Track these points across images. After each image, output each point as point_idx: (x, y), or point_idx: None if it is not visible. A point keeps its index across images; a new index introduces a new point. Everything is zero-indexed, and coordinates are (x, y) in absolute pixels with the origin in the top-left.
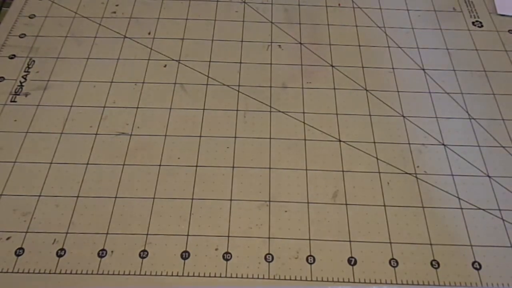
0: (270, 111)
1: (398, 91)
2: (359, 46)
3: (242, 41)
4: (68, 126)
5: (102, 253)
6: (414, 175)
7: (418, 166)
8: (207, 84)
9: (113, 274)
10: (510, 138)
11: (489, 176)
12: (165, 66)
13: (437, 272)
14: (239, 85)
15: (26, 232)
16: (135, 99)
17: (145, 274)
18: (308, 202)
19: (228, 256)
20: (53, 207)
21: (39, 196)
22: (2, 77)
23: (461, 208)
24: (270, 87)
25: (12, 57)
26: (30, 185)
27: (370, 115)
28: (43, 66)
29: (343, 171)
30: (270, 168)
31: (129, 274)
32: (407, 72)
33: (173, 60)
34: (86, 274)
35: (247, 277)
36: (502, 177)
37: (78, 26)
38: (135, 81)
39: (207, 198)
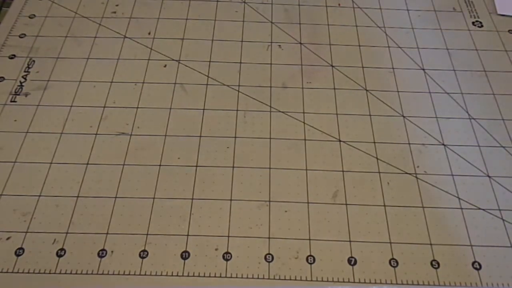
0: (270, 111)
1: (398, 91)
2: (359, 46)
3: (242, 41)
4: (68, 126)
5: (102, 253)
6: (414, 175)
7: (418, 166)
8: (207, 84)
9: (113, 274)
10: (510, 138)
11: (489, 176)
12: (165, 66)
13: (437, 272)
14: (239, 85)
15: (26, 232)
16: (135, 99)
17: (145, 274)
18: (308, 202)
19: (228, 256)
20: (53, 207)
21: (39, 196)
22: (2, 77)
23: (461, 208)
24: (270, 87)
25: (12, 57)
26: (30, 185)
27: (370, 115)
28: (43, 66)
29: (343, 171)
30: (270, 168)
31: (129, 274)
32: (407, 72)
33: (173, 60)
34: (86, 274)
35: (247, 277)
36: (502, 177)
37: (78, 26)
38: (135, 81)
39: (207, 198)
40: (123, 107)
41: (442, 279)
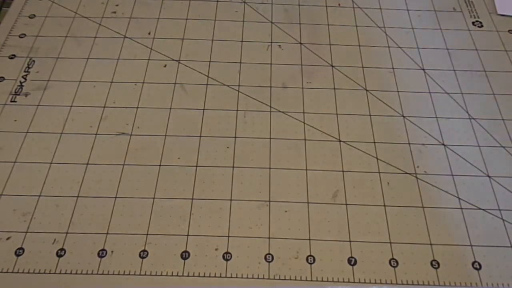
0: (270, 111)
1: (398, 91)
2: (359, 46)
3: (242, 41)
4: (68, 126)
5: (102, 253)
6: (414, 175)
7: (418, 166)
8: (207, 84)
9: (113, 274)
10: (510, 138)
11: (489, 176)
12: (165, 66)
13: (437, 272)
14: (239, 85)
15: (26, 232)
16: (135, 99)
17: (145, 274)
18: (308, 202)
19: (228, 256)
20: (53, 207)
21: (39, 196)
22: (2, 77)
23: (461, 208)
24: (270, 87)
25: (12, 57)
26: (30, 185)
27: (370, 115)
28: (43, 66)
29: (343, 171)
30: (270, 168)
31: (129, 274)
32: (407, 72)
33: (173, 60)
34: (86, 274)
35: (247, 277)
36: (502, 177)
37: (78, 26)
38: (135, 81)
39: (207, 198)
40: (123, 107)
41: (442, 279)
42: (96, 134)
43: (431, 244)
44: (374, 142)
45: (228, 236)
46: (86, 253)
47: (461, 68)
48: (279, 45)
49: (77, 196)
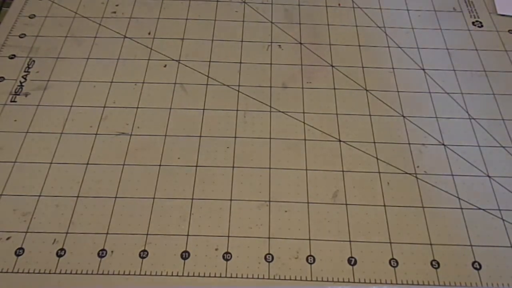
0: (270, 111)
1: (398, 91)
2: (359, 46)
3: (242, 41)
4: (68, 126)
5: (102, 253)
6: (414, 175)
7: (418, 166)
8: (207, 84)
9: (113, 274)
10: (510, 138)
11: (489, 176)
12: (165, 66)
13: (437, 272)
14: (239, 85)
15: (26, 232)
16: (135, 99)
17: (145, 274)
18: (308, 202)
19: (228, 256)
20: (53, 207)
21: (39, 196)
22: (2, 77)
23: (461, 208)
24: (270, 87)
25: (12, 57)
26: (30, 185)
27: (370, 115)
28: (43, 66)
29: (343, 171)
30: (270, 168)
31: (129, 274)
32: (407, 72)
33: (173, 60)
34: (86, 274)
35: (247, 277)
36: (502, 177)
37: (78, 26)
38: (135, 81)
39: (207, 198)
40: (123, 107)
41: (442, 279)
42: (96, 134)
43: (431, 244)
44: (374, 142)
45: (228, 236)
46: (86, 253)
47: (461, 68)
48: (279, 45)
49: (77, 196)
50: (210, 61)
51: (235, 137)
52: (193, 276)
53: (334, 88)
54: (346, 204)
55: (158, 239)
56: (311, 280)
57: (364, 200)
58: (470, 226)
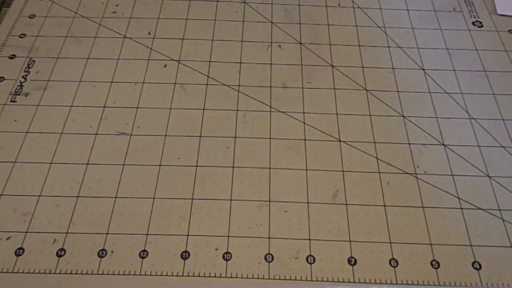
0: (270, 111)
1: (398, 91)
2: (359, 46)
3: (242, 41)
4: (68, 126)
5: (102, 253)
6: (414, 175)
7: (418, 166)
8: (207, 84)
9: (113, 274)
10: (510, 138)
11: (489, 176)
12: (165, 66)
13: (437, 272)
14: (239, 85)
15: (26, 232)
16: (135, 99)
17: (145, 274)
18: (308, 202)
19: (228, 256)
20: (53, 207)
21: (39, 196)
22: (2, 77)
23: (461, 208)
24: (270, 87)
25: (12, 57)
26: (30, 185)
27: (370, 115)
28: (43, 66)
29: (343, 171)
30: (270, 168)
31: (129, 274)
32: (407, 72)
33: (173, 60)
34: (86, 274)
35: (247, 277)
36: (502, 177)
37: (78, 26)
38: (135, 81)
39: (207, 198)
40: (123, 107)
41: (442, 279)
42: (96, 134)
43: (431, 244)
44: (374, 142)
45: (228, 236)
46: (86, 253)
47: (461, 68)
48: (279, 45)
49: (77, 196)
50: (210, 61)
51: (235, 137)
52: (193, 276)
53: (334, 88)
54: (346, 204)
55: (158, 239)
56: (311, 280)
57: (364, 200)
58: (470, 226)
